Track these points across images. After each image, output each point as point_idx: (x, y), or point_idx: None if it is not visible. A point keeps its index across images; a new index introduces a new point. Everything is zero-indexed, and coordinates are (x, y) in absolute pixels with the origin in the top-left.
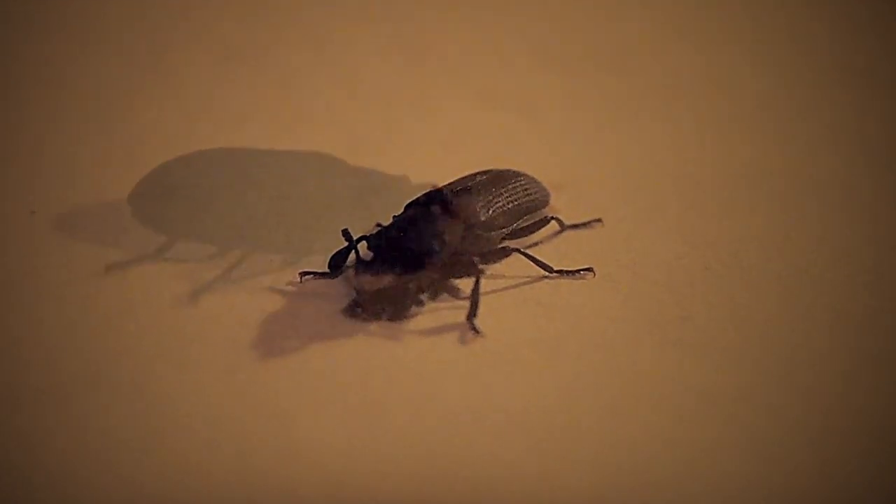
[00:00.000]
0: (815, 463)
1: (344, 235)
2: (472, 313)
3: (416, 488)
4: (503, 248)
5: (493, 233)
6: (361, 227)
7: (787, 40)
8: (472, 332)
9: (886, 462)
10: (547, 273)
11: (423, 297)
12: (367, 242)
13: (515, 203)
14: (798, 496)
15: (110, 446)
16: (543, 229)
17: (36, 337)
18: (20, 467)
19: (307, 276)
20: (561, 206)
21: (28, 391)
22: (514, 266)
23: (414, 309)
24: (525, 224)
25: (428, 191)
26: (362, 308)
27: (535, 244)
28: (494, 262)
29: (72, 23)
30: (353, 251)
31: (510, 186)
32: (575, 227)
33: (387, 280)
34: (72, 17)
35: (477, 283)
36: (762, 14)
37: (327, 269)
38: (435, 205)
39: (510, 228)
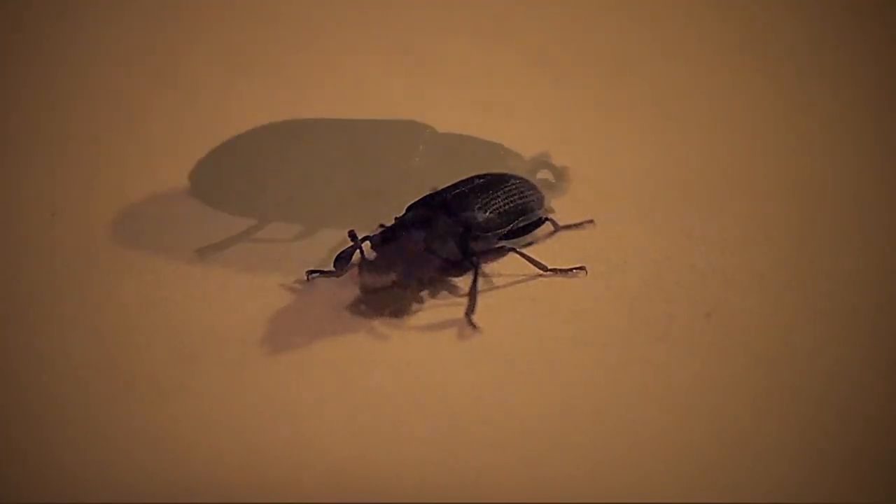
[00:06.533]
0: (797, 452)
1: (349, 236)
2: (471, 310)
3: (417, 477)
4: (500, 247)
5: (489, 233)
6: (365, 228)
7: (772, 46)
8: (471, 327)
9: (869, 452)
10: (541, 271)
11: (424, 294)
12: (371, 242)
13: (511, 205)
14: (783, 486)
15: (123, 436)
16: (538, 230)
17: (54, 332)
18: (35, 455)
19: (314, 275)
20: (555, 207)
21: (45, 383)
22: (510, 265)
23: (415, 306)
24: (520, 225)
25: (428, 193)
26: (366, 305)
27: (530, 244)
28: (491, 261)
29: (89, 33)
30: (358, 251)
31: (506, 189)
32: (568, 227)
33: (389, 278)
34: (89, 27)
35: (475, 281)
36: (748, 20)
37: (333, 268)
38: (435, 206)
39: (506, 229)
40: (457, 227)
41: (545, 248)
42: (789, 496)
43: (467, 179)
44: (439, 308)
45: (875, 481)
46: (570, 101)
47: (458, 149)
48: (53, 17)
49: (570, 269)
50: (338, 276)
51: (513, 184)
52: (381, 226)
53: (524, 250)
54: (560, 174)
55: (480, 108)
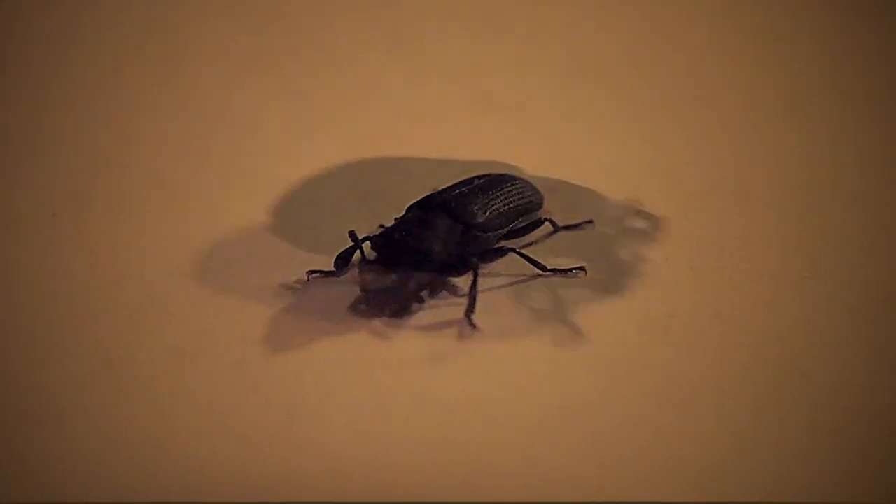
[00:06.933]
0: (797, 452)
1: (350, 236)
2: (470, 310)
3: (417, 477)
4: (499, 248)
5: (489, 233)
6: (365, 229)
7: (771, 49)
8: (470, 327)
9: (870, 452)
10: (541, 272)
11: (424, 294)
12: (371, 243)
13: (511, 205)
14: (784, 486)
15: (123, 436)
16: (538, 230)
17: (57, 331)
18: (35, 455)
19: (314, 275)
20: (554, 208)
21: (48, 382)
22: (509, 265)
23: (415, 306)
24: (520, 225)
25: (428, 194)
26: (366, 305)
27: (530, 244)
28: (491, 261)
29: (91, 35)
30: (358, 251)
31: (506, 189)
32: (567, 228)
33: (389, 278)
34: (92, 29)
35: (474, 281)
36: (748, 23)
37: (333, 268)
38: (435, 207)
39: (506, 229)
40: (457, 228)
41: (545, 249)
42: (790, 496)
43: (467, 180)
44: (439, 308)
45: (877, 481)
46: (570, 102)
47: (459, 150)
48: (54, 16)
49: (570, 269)
50: (338, 276)
51: (512, 184)
52: (381, 226)
53: (524, 250)
54: (560, 175)
55: (482, 111)
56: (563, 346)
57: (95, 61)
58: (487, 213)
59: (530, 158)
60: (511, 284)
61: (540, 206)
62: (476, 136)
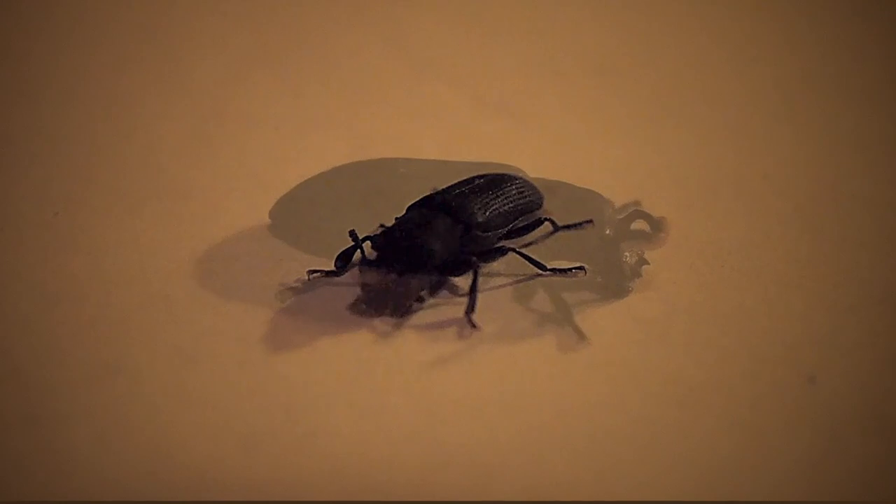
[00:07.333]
0: (798, 453)
1: (350, 236)
2: (470, 309)
3: (417, 477)
4: (499, 247)
5: (489, 233)
6: (366, 228)
7: (772, 49)
8: (470, 326)
9: (862, 448)
10: (541, 271)
11: (424, 293)
12: (372, 242)
13: (511, 205)
14: (784, 486)
15: (123, 435)
16: (538, 230)
17: (55, 332)
18: (35, 455)
19: (315, 274)
20: (554, 208)
21: (48, 382)
22: (509, 265)
23: (415, 305)
24: (520, 225)
25: (428, 194)
26: (366, 305)
27: (530, 244)
28: (491, 260)
29: (91, 32)
30: (359, 250)
31: (506, 189)
32: (567, 227)
33: (390, 278)
34: (92, 29)
35: (475, 280)
36: (749, 23)
37: (334, 268)
38: (435, 207)
39: (506, 229)
40: (457, 228)
41: (544, 249)
42: (790, 496)
43: (467, 180)
44: (439, 307)
45: (877, 481)
46: (570, 102)
47: (460, 150)
48: (54, 16)
49: (570, 269)
50: (338, 276)
51: (513, 184)
52: (382, 226)
53: (524, 250)
54: (560, 175)
55: (482, 111)
56: (563, 346)
57: (95, 61)
58: (487, 213)
59: (530, 158)
60: (511, 284)
61: (540, 206)
62: (476, 137)
